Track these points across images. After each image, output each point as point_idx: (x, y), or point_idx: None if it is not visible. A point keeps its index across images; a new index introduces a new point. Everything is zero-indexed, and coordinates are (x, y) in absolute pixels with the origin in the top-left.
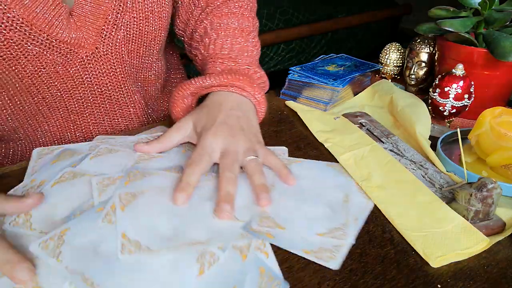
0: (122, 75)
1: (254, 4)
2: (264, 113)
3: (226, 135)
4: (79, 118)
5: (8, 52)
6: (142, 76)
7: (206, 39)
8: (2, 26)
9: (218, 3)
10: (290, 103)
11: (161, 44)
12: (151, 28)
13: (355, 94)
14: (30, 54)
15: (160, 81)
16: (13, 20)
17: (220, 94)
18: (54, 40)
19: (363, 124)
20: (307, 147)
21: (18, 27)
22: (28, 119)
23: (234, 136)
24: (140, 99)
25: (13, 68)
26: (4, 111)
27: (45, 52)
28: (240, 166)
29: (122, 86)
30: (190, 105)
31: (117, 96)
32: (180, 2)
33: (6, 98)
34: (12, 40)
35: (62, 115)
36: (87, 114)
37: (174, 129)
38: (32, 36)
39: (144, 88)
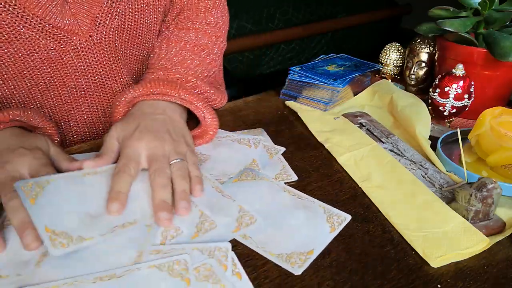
0: (115, 64)
1: (225, 23)
2: (213, 117)
3: (150, 139)
4: (73, 107)
5: (0, 34)
6: (137, 68)
7: (157, 48)
8: None
9: (189, 13)
10: (290, 103)
11: (155, 38)
12: (146, 20)
13: (355, 94)
14: (23, 37)
15: None
16: (5, 1)
17: (143, 103)
18: (47, 25)
19: (363, 124)
20: (307, 147)
21: (10, 9)
22: (22, 105)
23: (159, 139)
24: None
25: (6, 50)
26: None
27: (37, 36)
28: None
29: (116, 75)
30: (127, 111)
31: (110, 84)
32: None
33: (0, 81)
34: (4, 21)
35: (56, 103)
36: (80, 102)
37: (106, 145)
38: (25, 19)
39: (139, 80)
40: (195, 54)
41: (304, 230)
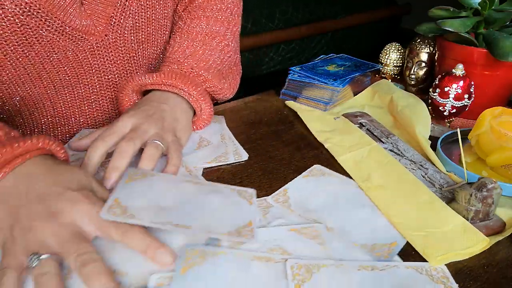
0: (130, 64)
1: (238, 7)
2: (209, 114)
3: (141, 117)
4: (84, 104)
5: (23, 38)
6: (151, 66)
7: (171, 40)
8: (20, 11)
9: (200, 1)
10: (290, 103)
11: (168, 34)
12: (157, 16)
13: (355, 94)
14: (44, 40)
15: None
16: (30, 6)
17: (154, 93)
18: (67, 27)
19: (363, 124)
20: (307, 147)
21: (35, 13)
22: (36, 103)
23: (149, 119)
24: None
25: (27, 54)
26: (14, 98)
27: (57, 38)
28: (141, 146)
29: (129, 74)
30: (135, 101)
31: (122, 83)
32: None
33: (16, 86)
34: (28, 25)
35: (69, 99)
36: (92, 100)
37: (117, 122)
38: (47, 22)
39: None
40: (206, 43)
41: (227, 211)
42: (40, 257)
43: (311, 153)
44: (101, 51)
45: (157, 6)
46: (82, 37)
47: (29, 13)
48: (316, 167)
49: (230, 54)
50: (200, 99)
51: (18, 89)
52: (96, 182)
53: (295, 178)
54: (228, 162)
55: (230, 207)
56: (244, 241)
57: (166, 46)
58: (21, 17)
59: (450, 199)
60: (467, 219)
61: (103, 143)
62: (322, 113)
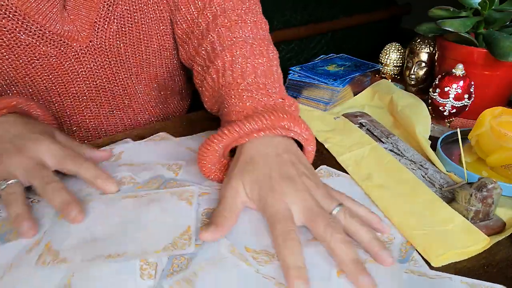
0: (118, 68)
1: (258, 5)
2: (314, 151)
3: (293, 191)
4: (74, 112)
5: (1, 40)
6: (152, 71)
7: (218, 60)
8: None
9: (219, 0)
10: None
11: (169, 39)
12: (148, 20)
13: (355, 94)
14: (23, 43)
15: (180, 77)
16: (6, 8)
17: (261, 140)
18: (47, 32)
19: (363, 124)
20: None
21: (11, 16)
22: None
23: (300, 187)
24: (140, 92)
25: (7, 57)
26: None
27: (38, 43)
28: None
29: (118, 79)
30: (221, 156)
31: (112, 88)
32: (178, 8)
33: (3, 85)
34: (5, 28)
35: (58, 108)
36: (82, 107)
37: (230, 199)
38: (25, 26)
39: (157, 83)
40: (267, 55)
41: (165, 221)
42: (8, 182)
43: None
44: (87, 57)
45: (146, 9)
46: (64, 42)
47: (5, 16)
48: (323, 168)
49: (278, 60)
50: (310, 140)
51: (7, 90)
52: (58, 131)
53: None
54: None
55: (169, 215)
56: (182, 253)
57: (159, 47)
58: None
59: (450, 199)
60: (467, 219)
61: (297, 243)
62: (322, 113)
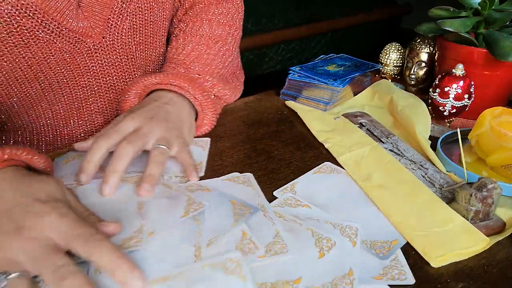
0: (128, 66)
1: (238, 12)
2: (212, 120)
3: (144, 117)
4: (82, 106)
5: (20, 39)
6: (149, 68)
7: (174, 42)
8: (16, 13)
9: (201, 6)
10: (290, 103)
11: (165, 36)
12: (155, 17)
13: (355, 94)
14: (41, 41)
15: None
16: (26, 7)
17: (158, 93)
18: (64, 29)
19: (363, 124)
20: (307, 147)
21: (31, 14)
22: (34, 105)
23: (152, 121)
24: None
25: (23, 55)
26: (11, 98)
27: (55, 40)
28: (144, 149)
29: (127, 76)
30: (135, 103)
31: (121, 85)
32: None
33: (13, 87)
34: (25, 27)
35: (67, 101)
36: (90, 102)
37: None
38: (44, 24)
39: None
40: (210, 47)
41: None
42: (8, 277)
43: (311, 153)
44: (99, 53)
45: (155, 8)
46: (79, 39)
47: (25, 14)
48: (327, 164)
49: (231, 58)
50: (203, 103)
51: (15, 89)
52: (69, 193)
53: (305, 174)
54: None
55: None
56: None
57: (164, 48)
58: (17, 18)
59: (450, 199)
60: (467, 219)
61: (106, 140)
62: (322, 113)
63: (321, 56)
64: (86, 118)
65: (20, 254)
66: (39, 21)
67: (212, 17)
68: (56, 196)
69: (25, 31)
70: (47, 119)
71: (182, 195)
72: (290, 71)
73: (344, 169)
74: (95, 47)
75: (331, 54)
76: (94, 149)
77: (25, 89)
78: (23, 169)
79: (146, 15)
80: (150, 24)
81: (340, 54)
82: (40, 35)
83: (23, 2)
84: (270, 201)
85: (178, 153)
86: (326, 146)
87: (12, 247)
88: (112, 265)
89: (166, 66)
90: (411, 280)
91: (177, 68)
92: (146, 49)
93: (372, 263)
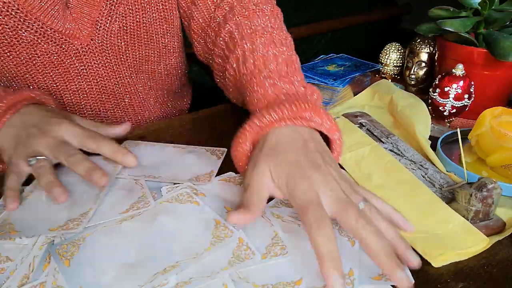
0: (118, 66)
1: (279, 11)
2: (340, 140)
3: (321, 178)
4: (75, 110)
5: (2, 37)
6: (150, 69)
7: (238, 49)
8: None
9: (243, 3)
10: None
11: (170, 37)
12: (149, 19)
13: (355, 94)
14: (25, 41)
15: (178, 76)
16: (8, 6)
17: (284, 131)
18: (48, 29)
19: (363, 124)
20: None
21: (13, 13)
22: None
23: (329, 177)
24: (140, 90)
25: (8, 54)
26: None
27: (39, 41)
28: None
29: (118, 77)
30: (250, 150)
31: (112, 87)
32: (194, 3)
33: (5, 81)
34: (7, 25)
35: (58, 106)
36: (82, 105)
37: (256, 188)
38: (27, 23)
39: (154, 81)
40: (285, 43)
41: (195, 164)
42: (37, 157)
43: None
44: (88, 55)
45: (148, 9)
46: (66, 40)
47: (7, 13)
48: None
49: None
50: (334, 129)
51: (7, 86)
52: (77, 116)
53: None
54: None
55: (200, 160)
56: (201, 184)
57: (164, 46)
58: None
59: (450, 199)
60: (467, 219)
61: (330, 231)
62: None
63: (321, 56)
64: None
65: (44, 147)
66: (22, 20)
67: (261, 5)
68: (69, 117)
69: (8, 29)
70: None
71: (139, 191)
72: None
73: (344, 169)
74: (83, 49)
75: (331, 54)
76: (326, 242)
77: (16, 88)
78: (43, 105)
79: (138, 16)
80: (143, 25)
81: (340, 54)
82: (23, 34)
83: (4, 0)
84: (267, 202)
85: (374, 202)
86: None
87: (38, 143)
88: (114, 152)
89: (260, 84)
90: (410, 280)
91: (278, 83)
92: (138, 49)
93: (371, 263)
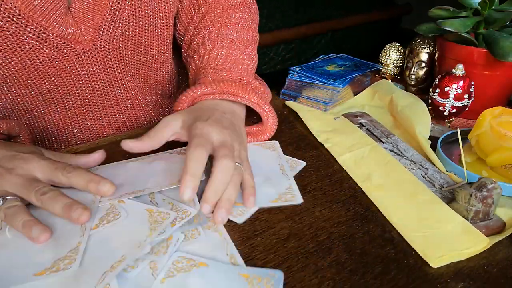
0: (119, 71)
1: (256, 16)
2: (275, 122)
3: (221, 128)
4: (76, 114)
5: (4, 44)
6: (147, 74)
7: (202, 49)
8: None
9: (219, 11)
10: (290, 103)
11: (167, 44)
12: (151, 26)
13: (355, 94)
14: (27, 47)
15: (171, 82)
16: (10, 12)
17: (212, 101)
18: (50, 34)
19: (363, 124)
20: (307, 147)
21: (14, 19)
22: (26, 112)
23: (228, 134)
24: (139, 95)
25: (10, 60)
26: (3, 100)
27: (41, 46)
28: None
29: (120, 81)
30: None
31: (114, 91)
32: (181, 5)
33: (5, 88)
34: (8, 31)
35: (59, 110)
36: (84, 110)
37: (162, 125)
38: (29, 29)
39: (150, 86)
40: (242, 51)
41: (172, 169)
42: (6, 198)
43: (311, 153)
44: (89, 60)
45: (151, 16)
46: (68, 45)
47: (8, 19)
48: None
49: (256, 64)
50: (261, 104)
51: (8, 92)
52: (45, 149)
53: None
54: (296, 202)
55: (175, 166)
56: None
57: (162, 51)
58: (0, 22)
59: (450, 199)
60: (467, 219)
61: (205, 151)
62: (322, 113)
63: (321, 56)
64: (81, 126)
65: (12, 187)
66: (23, 26)
67: (234, 21)
68: (36, 151)
69: (9, 35)
70: (41, 127)
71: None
72: (290, 71)
73: (336, 171)
74: (86, 54)
75: (331, 54)
76: (194, 160)
77: (16, 95)
78: (5, 141)
79: (141, 23)
80: (145, 32)
81: (340, 54)
82: (25, 40)
83: (6, 6)
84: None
85: (244, 174)
86: (326, 146)
87: (5, 183)
88: (87, 183)
89: (204, 73)
90: (300, 200)
91: (217, 73)
92: (139, 55)
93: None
